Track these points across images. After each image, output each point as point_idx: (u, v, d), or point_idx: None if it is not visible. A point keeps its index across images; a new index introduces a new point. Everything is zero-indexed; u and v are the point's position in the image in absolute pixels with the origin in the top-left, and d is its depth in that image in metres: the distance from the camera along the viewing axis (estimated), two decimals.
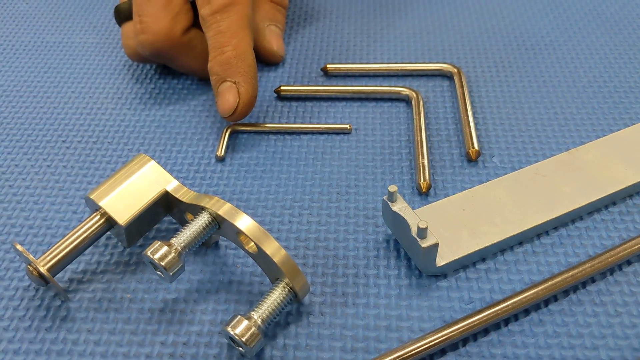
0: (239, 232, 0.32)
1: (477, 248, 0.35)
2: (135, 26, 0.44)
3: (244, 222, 0.32)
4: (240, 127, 0.44)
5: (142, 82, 0.49)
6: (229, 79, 0.41)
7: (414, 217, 0.34)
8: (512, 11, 0.55)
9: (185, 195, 0.35)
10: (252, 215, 0.39)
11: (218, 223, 0.33)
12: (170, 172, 0.42)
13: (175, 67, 0.47)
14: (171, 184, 0.35)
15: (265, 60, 0.50)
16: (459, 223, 0.36)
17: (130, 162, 0.36)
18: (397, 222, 0.35)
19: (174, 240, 0.32)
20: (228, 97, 0.41)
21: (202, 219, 0.33)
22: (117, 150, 0.43)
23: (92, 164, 0.43)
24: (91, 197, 0.34)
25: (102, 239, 0.38)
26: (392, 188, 0.34)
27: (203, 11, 0.42)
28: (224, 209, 0.32)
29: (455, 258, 0.35)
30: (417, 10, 0.55)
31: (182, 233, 0.32)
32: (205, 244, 0.37)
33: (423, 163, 0.41)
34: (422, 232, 0.33)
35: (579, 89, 0.47)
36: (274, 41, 0.49)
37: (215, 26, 0.42)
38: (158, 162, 0.41)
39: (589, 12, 0.54)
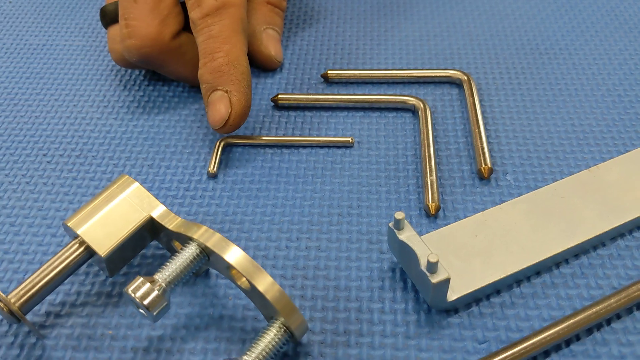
0: (229, 266, 0.29)
1: (491, 280, 0.32)
2: (122, 30, 0.41)
3: (234, 256, 0.29)
4: (235, 139, 0.41)
5: (130, 89, 0.46)
6: (220, 88, 0.38)
7: (423, 247, 0.31)
8: (524, 12, 0.51)
9: (172, 222, 0.32)
10: (246, 240, 0.36)
11: (207, 255, 0.30)
12: (159, 189, 0.39)
13: (164, 74, 0.44)
14: (157, 210, 0.32)
15: (262, 66, 0.47)
16: (471, 251, 0.33)
17: (113, 184, 0.33)
18: (404, 251, 0.32)
19: (157, 276, 0.29)
20: (219, 107, 0.38)
21: (190, 251, 0.30)
22: (101, 166, 0.40)
23: (75, 181, 0.39)
24: (69, 224, 0.31)
25: (83, 266, 0.35)
26: (399, 215, 0.31)
27: (193, 14, 0.39)
28: (212, 240, 0.29)
29: (468, 292, 0.32)
30: (423, 12, 0.52)
31: (167, 267, 0.29)
32: (194, 273, 0.33)
33: (431, 182, 0.37)
34: (433, 267, 0.29)
35: (597, 98, 0.44)
36: (271, 46, 0.46)
37: (206, 30, 0.39)
38: (145, 179, 0.38)
39: (607, 13, 0.51)
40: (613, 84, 0.45)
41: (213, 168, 0.39)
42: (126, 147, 0.42)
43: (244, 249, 0.35)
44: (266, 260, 0.35)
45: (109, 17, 0.44)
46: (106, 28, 0.45)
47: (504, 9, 0.52)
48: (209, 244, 0.29)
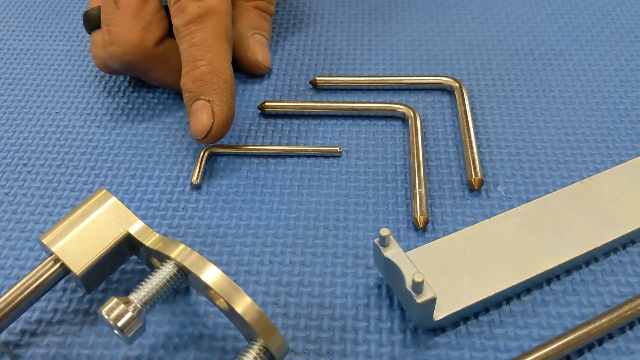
0: (206, 286, 0.28)
1: (480, 298, 0.31)
2: (104, 36, 0.40)
3: (212, 276, 0.28)
4: (220, 149, 0.40)
5: (114, 96, 0.45)
6: (202, 97, 0.37)
7: (409, 265, 0.30)
8: (518, 17, 0.50)
9: (149, 238, 0.31)
10: (229, 254, 0.35)
11: (185, 274, 0.29)
12: (140, 201, 0.38)
13: (148, 81, 0.43)
14: (135, 226, 0.31)
15: (249, 72, 0.46)
16: (459, 267, 0.32)
17: (90, 198, 0.32)
18: (390, 269, 0.31)
19: (133, 296, 0.28)
20: (201, 117, 0.37)
21: (167, 270, 0.29)
22: (82, 176, 0.39)
23: (55, 192, 0.38)
24: (44, 241, 0.30)
25: (61, 281, 0.34)
26: (384, 231, 0.30)
27: (176, 21, 0.38)
28: (189, 259, 0.28)
29: (456, 310, 0.31)
30: (415, 16, 0.51)
31: (143, 286, 0.28)
32: (174, 290, 0.32)
33: (420, 194, 0.36)
34: (418, 286, 0.28)
35: (592, 106, 0.43)
36: (258, 51, 0.45)
37: (189, 38, 0.38)
38: (127, 190, 0.37)
39: (603, 18, 0.50)
40: (608, 91, 0.44)
41: (196, 179, 0.38)
42: (108, 156, 0.41)
43: (227, 264, 0.34)
44: (249, 275, 0.34)
45: (92, 22, 0.43)
46: (89, 33, 0.44)
47: (497, 13, 0.51)
48: (186, 264, 0.28)
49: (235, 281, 0.33)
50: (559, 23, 0.50)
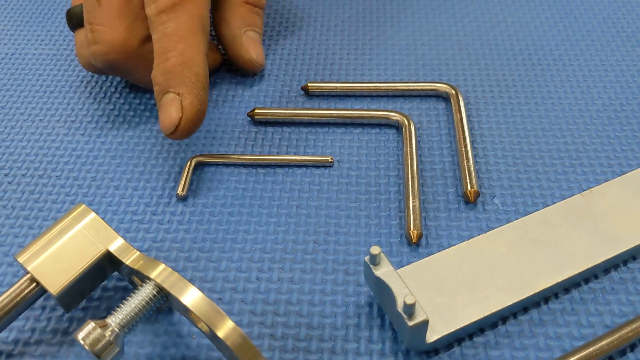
0: (187, 309, 0.26)
1: (475, 318, 0.30)
2: (87, 35, 0.38)
3: (192, 298, 0.26)
4: (207, 158, 0.39)
5: (100, 102, 0.44)
6: (171, 90, 0.35)
7: (401, 285, 0.29)
8: (517, 20, 0.49)
9: (130, 256, 0.29)
10: (215, 270, 0.33)
11: (165, 295, 0.28)
12: (124, 213, 0.36)
13: (132, 81, 0.42)
14: (115, 243, 0.30)
15: (243, 71, 0.45)
16: (454, 286, 0.31)
17: (68, 214, 0.31)
18: (381, 288, 0.30)
19: (111, 319, 0.27)
20: (170, 111, 0.35)
21: (146, 291, 0.28)
22: (65, 187, 0.38)
23: (36, 204, 0.37)
24: (19, 259, 0.29)
25: (40, 299, 0.32)
26: (375, 250, 0.29)
27: (149, 10, 0.37)
28: (169, 281, 0.27)
29: (450, 331, 0.29)
30: (411, 19, 0.50)
31: (122, 309, 0.27)
32: (157, 309, 0.31)
33: (414, 207, 0.35)
34: (409, 309, 0.27)
35: (592, 114, 0.42)
36: (252, 49, 0.44)
37: (161, 28, 0.36)
38: (111, 202, 0.36)
39: (603, 22, 0.49)
40: (609, 98, 0.43)
41: (182, 190, 0.37)
42: (92, 166, 0.39)
43: (212, 281, 0.33)
44: (235, 293, 0.32)
45: (75, 20, 0.41)
46: (73, 31, 0.42)
47: (495, 17, 0.49)
48: (166, 285, 0.27)
49: (220, 299, 0.32)
50: (558, 27, 0.48)
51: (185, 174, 0.38)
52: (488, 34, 0.48)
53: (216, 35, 0.45)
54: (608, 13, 0.50)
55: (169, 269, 0.27)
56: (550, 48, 0.47)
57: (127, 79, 0.42)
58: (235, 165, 0.39)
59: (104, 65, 0.39)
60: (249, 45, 0.44)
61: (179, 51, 0.35)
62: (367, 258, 0.30)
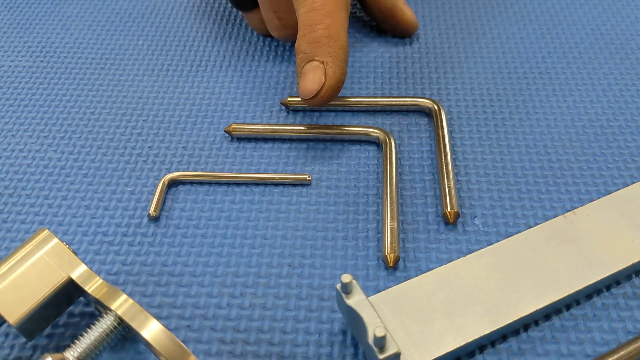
0: (148, 343, 0.25)
1: (451, 348, 0.29)
2: (272, 22, 0.43)
3: (152, 332, 0.25)
4: (182, 176, 0.38)
5: (74, 117, 0.43)
6: (316, 58, 0.37)
7: (372, 315, 0.28)
8: (503, 32, 0.48)
9: (92, 285, 0.28)
10: (184, 295, 0.32)
11: (126, 327, 0.27)
12: (94, 234, 0.35)
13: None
14: (77, 271, 0.29)
15: (403, 34, 0.47)
16: (429, 313, 0.30)
17: (31, 239, 0.30)
18: (353, 317, 0.29)
19: (68, 353, 0.26)
20: (313, 77, 0.37)
21: (107, 323, 0.27)
22: (34, 206, 0.37)
23: (4, 224, 0.36)
24: None
25: (4, 325, 0.31)
26: (346, 278, 0.28)
27: None
28: (130, 313, 0.26)
29: None
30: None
31: (80, 341, 0.26)
32: (122, 336, 0.30)
33: (392, 229, 0.34)
34: (380, 341, 0.26)
35: (578, 130, 0.40)
36: (409, 11, 0.46)
37: (309, 2, 0.38)
38: (81, 222, 0.35)
39: (591, 33, 0.48)
40: (596, 113, 0.42)
41: (154, 210, 0.36)
42: (64, 184, 0.38)
43: (181, 307, 0.32)
44: (204, 320, 0.31)
45: (249, 3, 0.45)
46: (244, 11, 0.46)
47: (480, 28, 0.48)
48: (126, 318, 0.26)
49: (189, 326, 0.31)
50: (545, 39, 0.47)
51: (157, 193, 0.37)
52: (473, 47, 0.47)
53: (369, 11, 0.47)
54: (597, 24, 0.48)
55: (130, 300, 0.26)
56: (536, 60, 0.46)
57: None
58: (210, 183, 0.38)
59: (290, 40, 0.45)
60: (405, 9, 0.46)
61: (325, 24, 0.37)
62: (338, 286, 0.29)
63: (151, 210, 0.36)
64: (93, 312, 0.32)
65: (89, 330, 0.27)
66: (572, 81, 0.44)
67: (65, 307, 0.31)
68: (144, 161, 0.39)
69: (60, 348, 0.30)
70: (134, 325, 0.26)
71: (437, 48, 0.47)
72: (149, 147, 0.40)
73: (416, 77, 0.44)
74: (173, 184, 0.38)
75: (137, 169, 0.39)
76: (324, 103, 0.38)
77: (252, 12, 0.46)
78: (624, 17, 0.49)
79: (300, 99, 0.42)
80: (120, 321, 0.27)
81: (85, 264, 0.32)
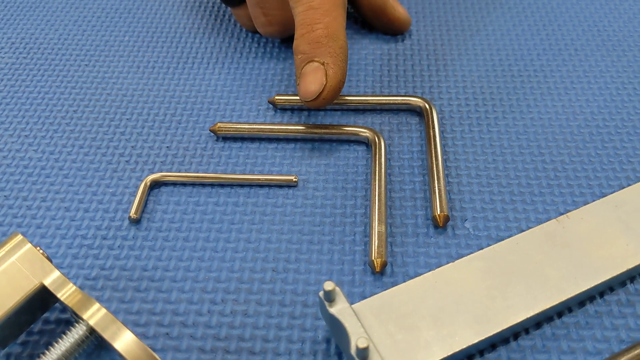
0: (120, 354, 0.24)
1: (438, 358, 0.28)
2: (258, 19, 0.42)
3: (124, 343, 0.24)
4: (165, 177, 0.37)
5: (56, 115, 0.41)
6: (317, 59, 0.36)
7: (356, 325, 0.27)
8: (496, 29, 0.47)
9: (65, 292, 0.27)
10: (164, 302, 0.31)
11: (98, 337, 0.26)
12: (73, 237, 0.34)
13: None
14: (50, 277, 0.28)
15: (395, 32, 0.46)
16: (416, 321, 0.29)
17: (2, 245, 0.29)
18: (336, 326, 0.28)
19: None
20: (314, 78, 0.36)
21: (78, 333, 0.26)
22: (13, 208, 0.36)
23: None
24: None
25: None
26: (329, 285, 0.27)
27: None
28: (103, 323, 0.25)
29: None
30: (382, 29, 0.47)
31: (51, 352, 0.25)
32: (98, 344, 0.29)
33: (379, 232, 0.33)
34: (362, 353, 0.25)
35: (573, 130, 0.39)
36: (400, 8, 0.45)
37: (306, 1, 0.37)
38: (60, 225, 0.34)
39: (588, 30, 0.46)
40: (591, 113, 0.40)
41: (135, 212, 0.35)
42: (43, 185, 0.37)
43: (160, 313, 0.31)
44: (184, 327, 0.30)
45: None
46: (232, 7, 0.45)
47: (474, 24, 0.47)
48: (98, 328, 0.25)
49: (168, 334, 0.30)
50: (541, 35, 0.46)
51: (139, 194, 0.36)
52: (467, 44, 0.46)
53: (359, 9, 0.46)
54: (594, 20, 0.47)
55: (103, 310, 0.25)
56: (531, 58, 0.44)
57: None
58: (194, 184, 0.37)
59: (277, 37, 0.45)
60: (396, 6, 0.45)
61: (324, 24, 0.37)
62: (321, 294, 0.28)
63: (132, 213, 0.35)
64: (69, 319, 0.31)
65: (60, 340, 0.26)
66: (567, 79, 0.43)
67: (40, 314, 0.30)
68: (127, 161, 0.38)
69: (34, 356, 0.29)
70: (105, 336, 0.25)
71: (430, 45, 0.46)
72: (132, 147, 0.39)
73: (408, 75, 0.43)
74: (155, 185, 0.37)
75: (119, 169, 0.38)
76: (325, 105, 0.37)
77: (240, 7, 0.44)
78: (621, 13, 0.48)
79: (287, 98, 0.41)
80: (92, 331, 0.26)
81: (62, 268, 0.32)
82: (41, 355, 0.25)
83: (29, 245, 0.28)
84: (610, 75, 0.43)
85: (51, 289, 0.27)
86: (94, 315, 0.26)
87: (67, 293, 0.27)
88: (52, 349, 0.26)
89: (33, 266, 0.28)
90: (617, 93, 0.42)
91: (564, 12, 0.48)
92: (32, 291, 0.28)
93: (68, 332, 0.26)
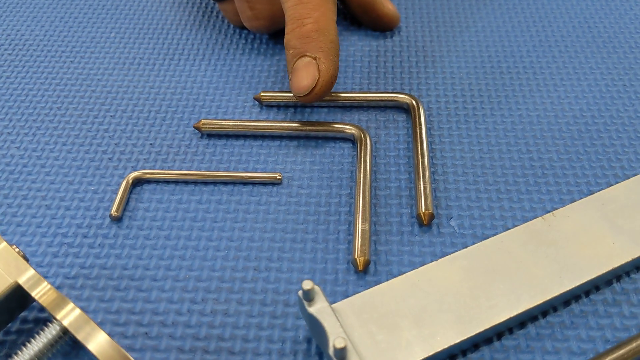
0: (94, 356, 0.24)
1: (419, 358, 0.27)
2: (245, 13, 0.42)
3: (98, 344, 0.24)
4: (147, 174, 0.36)
5: (40, 112, 0.41)
6: (308, 54, 0.36)
7: (335, 325, 0.26)
8: (487, 24, 0.46)
9: (40, 291, 0.27)
10: (144, 301, 0.31)
11: (72, 338, 0.25)
12: (53, 236, 0.34)
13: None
14: (25, 275, 0.27)
15: (384, 28, 0.46)
16: (398, 320, 0.29)
17: None
18: (315, 325, 0.27)
19: None
20: (306, 73, 0.36)
21: (52, 333, 0.25)
22: None
23: None
24: None
25: None
26: (307, 285, 0.26)
27: None
28: (76, 324, 0.25)
29: None
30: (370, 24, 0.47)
31: (23, 352, 0.25)
32: (74, 342, 0.29)
33: (363, 231, 0.33)
34: (340, 353, 0.25)
35: (561, 127, 0.39)
36: (390, 4, 0.45)
37: None
38: (40, 223, 0.34)
39: (579, 26, 0.46)
40: (580, 109, 0.40)
41: (116, 210, 0.34)
42: (25, 182, 0.37)
43: (140, 313, 0.30)
44: (163, 327, 0.30)
45: None
46: (218, 2, 0.45)
47: (464, 20, 0.47)
48: (72, 329, 0.24)
49: (147, 334, 0.29)
50: (531, 32, 0.46)
51: (120, 192, 0.35)
52: (456, 40, 0.45)
53: (348, 5, 0.46)
54: (584, 17, 0.47)
55: (78, 310, 0.25)
56: (521, 55, 0.44)
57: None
58: (177, 182, 0.37)
59: (267, 32, 0.44)
60: (385, 2, 0.45)
61: (314, 18, 0.37)
62: (300, 293, 0.27)
63: (113, 211, 0.34)
64: (48, 319, 0.30)
65: (32, 340, 0.25)
66: (556, 76, 0.42)
67: (18, 313, 0.29)
68: (109, 159, 0.38)
69: (10, 356, 0.29)
70: (79, 337, 0.24)
71: (419, 42, 0.45)
72: (115, 144, 0.39)
73: (395, 72, 0.43)
74: (138, 182, 0.36)
75: (101, 166, 0.37)
76: (318, 99, 0.37)
77: (226, 2, 0.44)
78: (612, 9, 0.47)
79: (272, 95, 0.41)
80: (65, 332, 0.25)
81: (42, 267, 0.31)
82: (13, 355, 0.25)
83: (4, 243, 0.28)
84: (600, 72, 0.43)
85: (25, 287, 0.27)
86: (68, 315, 0.25)
87: (41, 292, 0.27)
88: (24, 348, 0.25)
89: (8, 265, 0.28)
90: (607, 90, 0.41)
91: (554, 8, 0.48)
92: (7, 290, 0.27)
93: (41, 332, 0.26)
